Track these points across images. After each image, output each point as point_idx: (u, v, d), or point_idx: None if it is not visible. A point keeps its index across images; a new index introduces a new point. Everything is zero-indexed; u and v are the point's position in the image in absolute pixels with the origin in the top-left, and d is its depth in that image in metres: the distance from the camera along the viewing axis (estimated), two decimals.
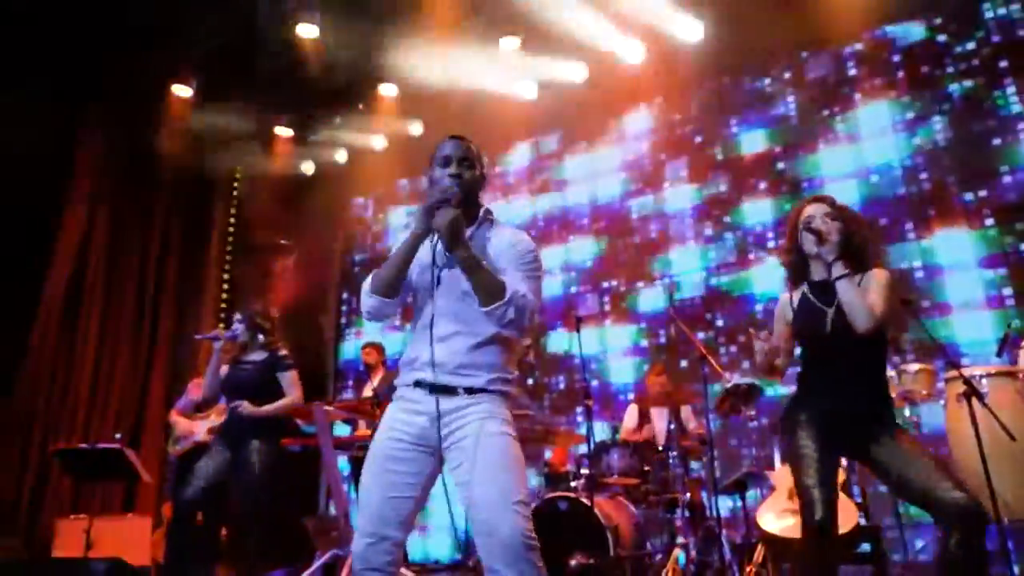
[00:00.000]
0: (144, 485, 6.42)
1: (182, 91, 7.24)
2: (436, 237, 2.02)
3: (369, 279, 2.16)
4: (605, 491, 4.44)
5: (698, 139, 6.75)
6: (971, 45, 5.56)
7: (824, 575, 2.36)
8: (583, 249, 7.14)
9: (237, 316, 4.30)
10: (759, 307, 6.00)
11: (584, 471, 4.37)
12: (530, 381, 6.77)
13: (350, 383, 8.26)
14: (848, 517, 3.67)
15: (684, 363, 6.14)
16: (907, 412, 4.18)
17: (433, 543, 6.85)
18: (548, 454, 5.18)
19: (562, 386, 6.84)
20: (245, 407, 4.02)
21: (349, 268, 8.82)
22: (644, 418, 5.22)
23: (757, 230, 6.20)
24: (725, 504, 4.93)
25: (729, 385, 4.34)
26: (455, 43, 6.59)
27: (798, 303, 2.62)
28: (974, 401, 2.92)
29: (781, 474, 4.20)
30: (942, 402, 4.08)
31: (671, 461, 4.51)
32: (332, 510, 6.42)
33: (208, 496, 3.95)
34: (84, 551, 4.55)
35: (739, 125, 6.52)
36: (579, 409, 5.47)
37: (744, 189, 6.35)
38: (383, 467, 2.02)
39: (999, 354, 3.95)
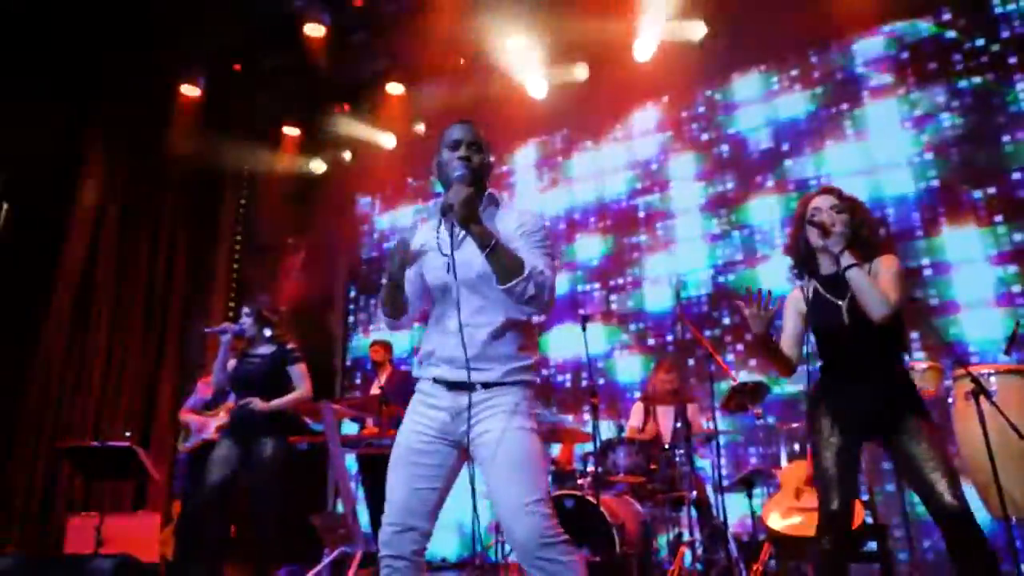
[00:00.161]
0: (154, 483, 6.47)
1: (190, 90, 7.29)
2: (447, 219, 2.02)
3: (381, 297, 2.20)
4: (611, 489, 4.44)
5: (705, 137, 6.74)
6: (980, 41, 5.52)
7: (836, 563, 2.36)
8: (590, 247, 7.14)
9: (245, 310, 4.22)
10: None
11: (590, 469, 4.38)
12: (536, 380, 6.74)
13: (358, 381, 8.29)
14: (855, 515, 3.65)
15: (691, 361, 6.14)
16: None
17: (439, 541, 6.85)
18: (555, 450, 5.18)
19: (568, 384, 6.84)
20: (256, 404, 3.95)
21: (357, 266, 8.84)
22: (650, 416, 5.22)
23: (764, 228, 6.19)
24: (733, 503, 4.91)
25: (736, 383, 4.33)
26: (462, 41, 6.60)
27: (812, 299, 2.58)
28: (982, 399, 2.90)
29: (788, 472, 4.20)
30: (950, 400, 4.06)
31: (677, 459, 4.51)
32: (340, 508, 6.43)
33: (220, 493, 3.92)
34: (95, 548, 4.58)
35: (746, 122, 6.50)
36: (585, 407, 5.47)
37: (751, 187, 6.33)
38: (408, 459, 2.04)
39: (1007, 352, 3.92)
